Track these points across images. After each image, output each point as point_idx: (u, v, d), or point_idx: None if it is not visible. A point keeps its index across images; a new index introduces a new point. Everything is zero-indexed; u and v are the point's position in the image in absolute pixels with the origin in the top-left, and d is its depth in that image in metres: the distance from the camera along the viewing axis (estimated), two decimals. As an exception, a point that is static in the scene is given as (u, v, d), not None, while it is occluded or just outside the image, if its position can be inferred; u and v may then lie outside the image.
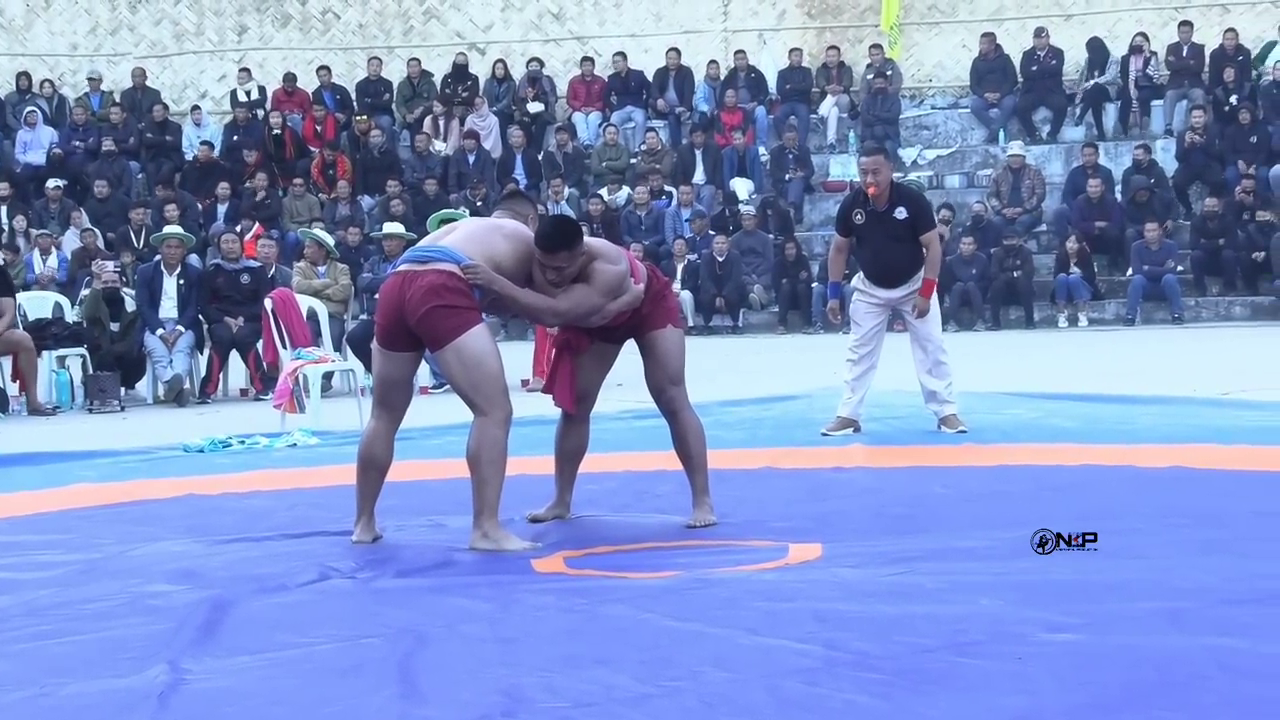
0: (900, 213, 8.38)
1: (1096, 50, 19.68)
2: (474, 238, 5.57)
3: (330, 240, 13.84)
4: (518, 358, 12.95)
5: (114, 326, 12.34)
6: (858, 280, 8.68)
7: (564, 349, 6.00)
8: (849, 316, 8.75)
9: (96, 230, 17.61)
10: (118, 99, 20.89)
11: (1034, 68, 19.70)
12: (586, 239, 5.70)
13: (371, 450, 5.73)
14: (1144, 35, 19.59)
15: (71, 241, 17.62)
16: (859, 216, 8.48)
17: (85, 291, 13.32)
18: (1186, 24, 19.51)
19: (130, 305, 12.67)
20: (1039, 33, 19.79)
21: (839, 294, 9.04)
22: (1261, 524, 5.52)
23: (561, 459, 6.08)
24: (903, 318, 8.67)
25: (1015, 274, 16.95)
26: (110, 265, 13.09)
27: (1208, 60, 19.37)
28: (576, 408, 5.99)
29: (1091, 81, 19.48)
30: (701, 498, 5.91)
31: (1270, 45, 19.38)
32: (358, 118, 20.13)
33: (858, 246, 8.63)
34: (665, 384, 5.89)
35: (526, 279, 5.59)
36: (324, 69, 21.16)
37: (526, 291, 5.56)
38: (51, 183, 18.98)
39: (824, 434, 8.41)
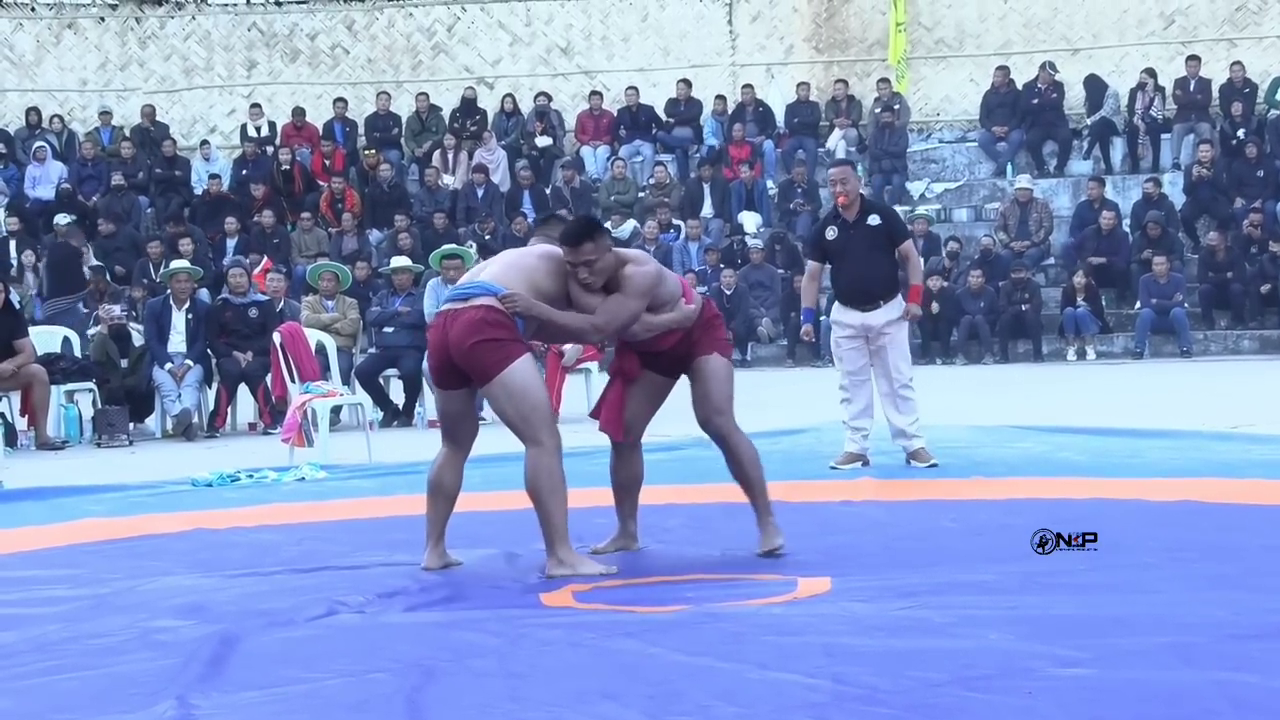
0: (873, 219, 8.38)
1: (1094, 87, 19.72)
2: (512, 266, 5.67)
3: (344, 269, 13.87)
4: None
5: (123, 363, 12.36)
6: (835, 311, 8.58)
7: (616, 375, 6.02)
8: (827, 347, 8.70)
9: (103, 266, 17.63)
10: (127, 134, 20.96)
11: (1034, 101, 19.74)
12: (617, 249, 5.77)
13: (440, 478, 5.83)
14: (1150, 71, 19.63)
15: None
16: (832, 233, 8.45)
17: (93, 331, 13.34)
18: (1194, 58, 19.56)
19: (138, 340, 12.69)
20: (1043, 66, 19.83)
21: (813, 319, 8.94)
22: (1271, 558, 5.51)
23: (618, 490, 6.08)
24: (870, 350, 8.41)
25: (1023, 307, 16.95)
26: (116, 309, 13.09)
27: (1215, 94, 19.41)
28: (625, 436, 5.99)
29: (1098, 115, 19.51)
30: (765, 520, 5.92)
31: (1278, 81, 19.41)
32: (366, 151, 20.19)
33: (833, 266, 8.54)
34: (711, 412, 5.91)
35: (567, 295, 5.65)
36: (340, 100, 21.24)
37: (566, 313, 5.64)
38: (60, 218, 19.02)
39: (833, 467, 8.40)
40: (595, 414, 6.05)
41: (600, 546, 6.04)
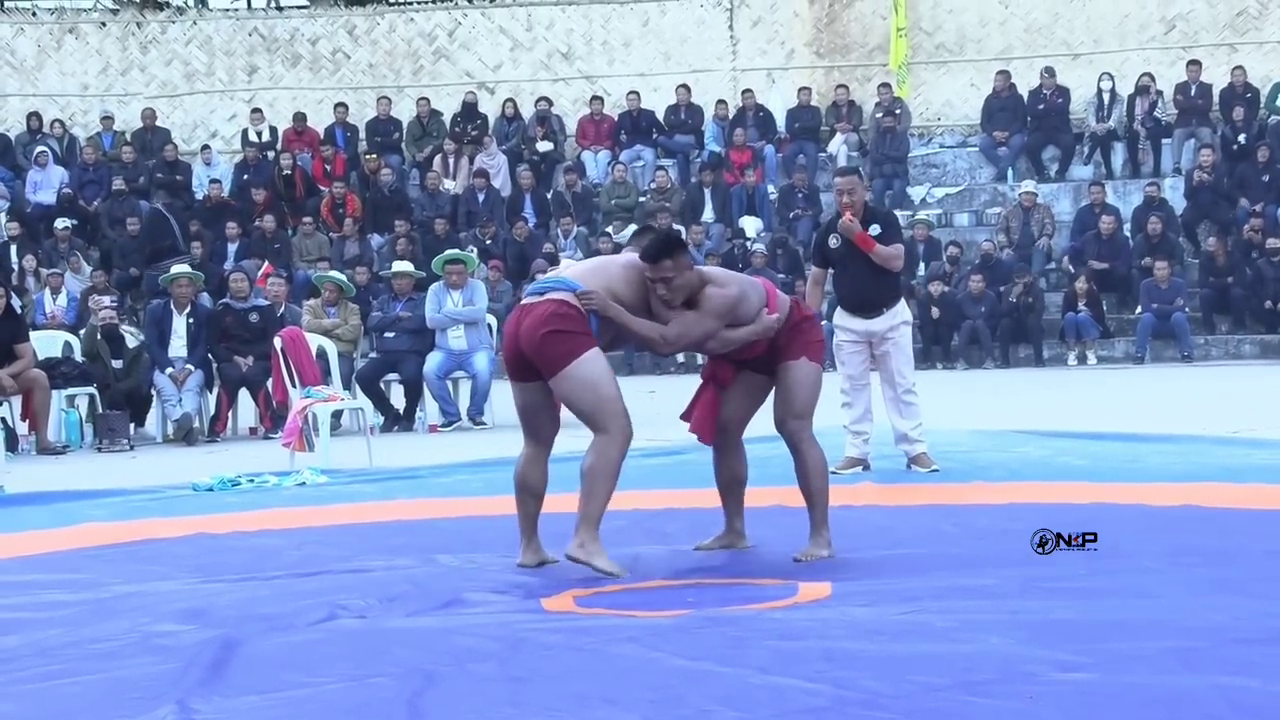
0: (875, 230, 8.37)
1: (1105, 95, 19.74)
2: (593, 270, 5.78)
3: (347, 281, 13.87)
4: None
5: (116, 364, 12.36)
6: (837, 316, 8.58)
7: (708, 381, 6.03)
8: (829, 352, 8.70)
9: (104, 271, 17.68)
10: (129, 139, 20.98)
11: (1040, 106, 19.75)
12: (702, 267, 5.82)
13: (526, 477, 5.83)
14: (1150, 75, 19.63)
15: (79, 282, 17.67)
16: (834, 241, 8.43)
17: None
18: (1195, 63, 19.57)
19: (131, 342, 12.69)
20: (1046, 72, 19.85)
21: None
22: (1272, 563, 5.51)
23: (723, 489, 6.10)
24: (873, 355, 8.50)
25: (1028, 299, 16.87)
26: (106, 301, 13.11)
27: (1216, 99, 19.41)
28: (720, 437, 6.00)
29: (1102, 125, 19.50)
30: (819, 530, 5.92)
31: (1279, 86, 19.42)
32: (367, 156, 20.20)
33: (836, 274, 8.52)
34: (788, 416, 5.90)
35: (645, 307, 5.68)
36: (341, 105, 21.26)
37: (639, 319, 5.67)
38: (60, 223, 19.05)
39: (834, 472, 8.38)
40: (685, 416, 6.05)
41: (706, 543, 6.08)
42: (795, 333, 5.89)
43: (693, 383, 6.21)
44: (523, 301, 5.75)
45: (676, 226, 19.02)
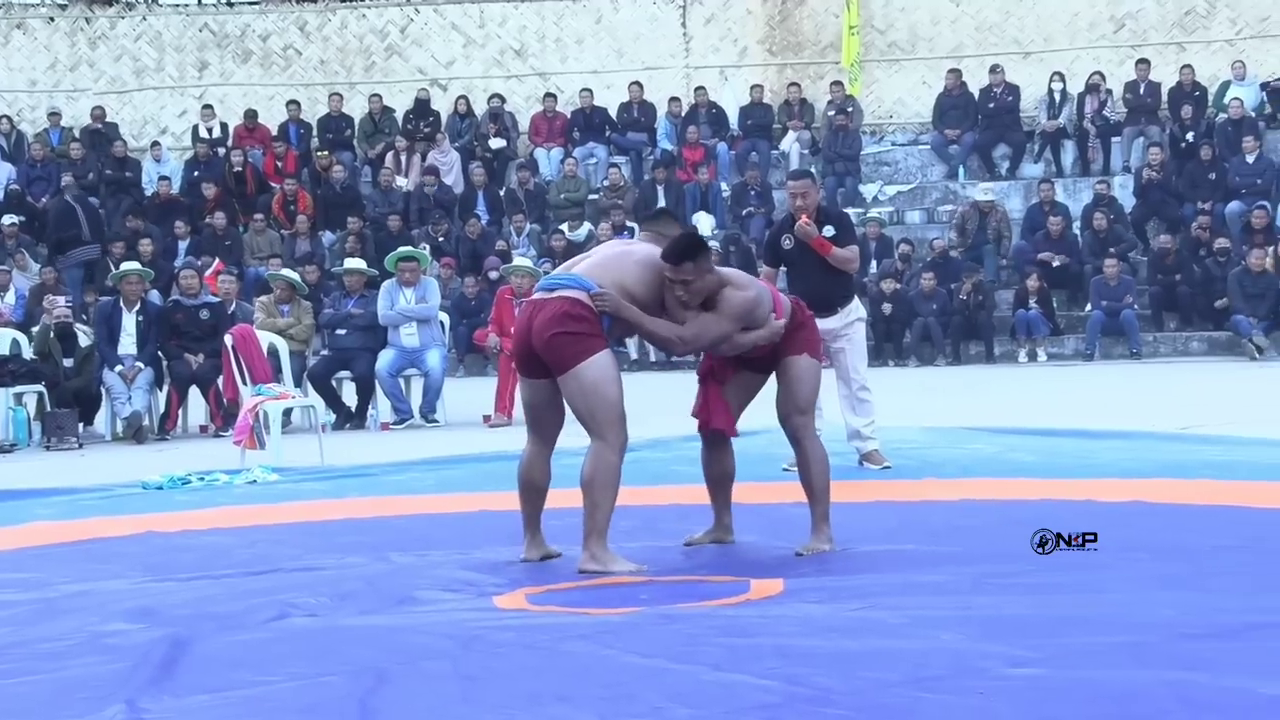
0: (829, 231, 8.37)
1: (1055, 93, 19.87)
2: (605, 264, 5.69)
3: (299, 279, 13.80)
4: (481, 394, 12.94)
5: (68, 362, 12.27)
6: None
7: (707, 377, 6.04)
8: None
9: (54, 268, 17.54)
10: (77, 135, 20.82)
11: (991, 105, 19.85)
12: (721, 268, 5.80)
13: (529, 474, 5.82)
14: (1101, 74, 19.76)
15: (26, 280, 17.51)
16: (788, 242, 8.40)
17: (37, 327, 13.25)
18: (1144, 62, 19.71)
19: (84, 340, 12.60)
20: (994, 70, 19.95)
21: None
22: (1221, 558, 5.55)
23: (712, 485, 6.14)
24: (828, 353, 8.54)
25: (978, 298, 16.95)
26: (62, 300, 13.01)
27: (1165, 98, 19.55)
28: (713, 433, 6.02)
29: (1051, 122, 19.60)
30: (820, 526, 5.94)
31: (1226, 85, 19.58)
32: (318, 153, 20.11)
33: (790, 274, 8.48)
34: (791, 411, 5.94)
35: (659, 303, 5.64)
36: (293, 103, 21.15)
37: (654, 319, 5.65)
38: (8, 219, 18.87)
39: (785, 469, 8.39)
40: (696, 413, 6.06)
41: (695, 538, 6.11)
42: (798, 329, 5.94)
43: (683, 378, 6.21)
44: (533, 296, 5.74)
45: (629, 224, 19.05)
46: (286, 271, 14.21)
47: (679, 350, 5.96)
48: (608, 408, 5.54)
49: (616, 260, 5.73)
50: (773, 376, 6.07)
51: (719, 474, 6.12)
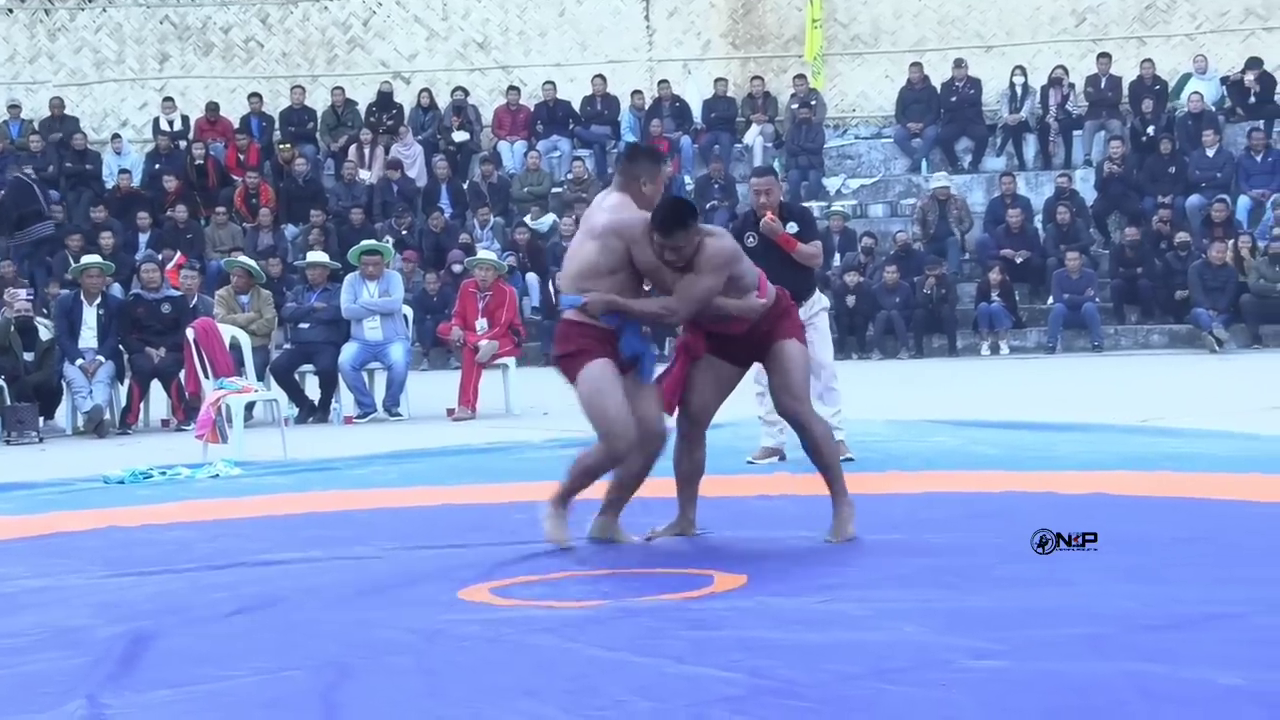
0: (792, 228, 8.39)
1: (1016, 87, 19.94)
2: (573, 259, 5.94)
3: (257, 267, 13.74)
4: (445, 388, 12.92)
5: (28, 356, 12.18)
6: None
7: (681, 352, 6.12)
8: None
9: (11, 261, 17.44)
10: (36, 127, 20.68)
11: (953, 98, 19.91)
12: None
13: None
14: (1063, 68, 19.84)
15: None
16: (751, 239, 8.41)
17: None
18: (1105, 55, 19.79)
19: (44, 334, 12.52)
20: (958, 63, 20.01)
21: None
22: (1181, 550, 5.59)
23: (680, 480, 6.19)
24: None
25: (941, 291, 16.99)
26: (22, 294, 12.93)
27: (1125, 91, 19.65)
28: (690, 429, 6.10)
29: (1013, 116, 19.68)
30: (840, 506, 6.01)
31: (1185, 78, 19.69)
32: (281, 146, 20.03)
33: None
34: (790, 399, 6.01)
35: (625, 255, 5.78)
36: (255, 95, 21.06)
37: (643, 301, 5.88)
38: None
39: (749, 462, 8.43)
40: (665, 391, 6.13)
41: (659, 530, 6.17)
42: (782, 316, 6.04)
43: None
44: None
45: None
46: (243, 259, 14.14)
47: (672, 321, 6.04)
48: (599, 420, 5.82)
49: (578, 249, 5.93)
50: (753, 370, 6.17)
51: (689, 469, 6.16)
